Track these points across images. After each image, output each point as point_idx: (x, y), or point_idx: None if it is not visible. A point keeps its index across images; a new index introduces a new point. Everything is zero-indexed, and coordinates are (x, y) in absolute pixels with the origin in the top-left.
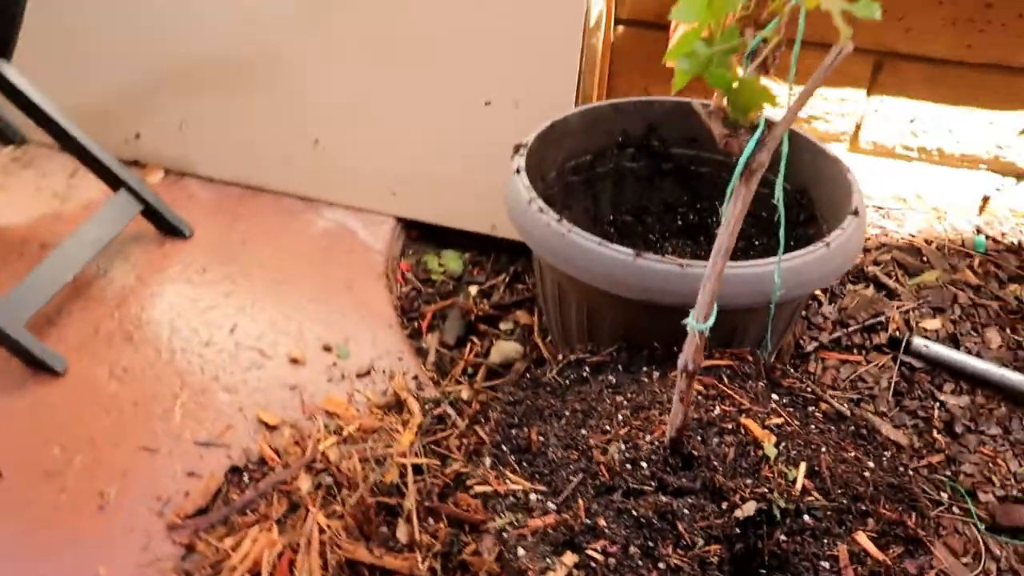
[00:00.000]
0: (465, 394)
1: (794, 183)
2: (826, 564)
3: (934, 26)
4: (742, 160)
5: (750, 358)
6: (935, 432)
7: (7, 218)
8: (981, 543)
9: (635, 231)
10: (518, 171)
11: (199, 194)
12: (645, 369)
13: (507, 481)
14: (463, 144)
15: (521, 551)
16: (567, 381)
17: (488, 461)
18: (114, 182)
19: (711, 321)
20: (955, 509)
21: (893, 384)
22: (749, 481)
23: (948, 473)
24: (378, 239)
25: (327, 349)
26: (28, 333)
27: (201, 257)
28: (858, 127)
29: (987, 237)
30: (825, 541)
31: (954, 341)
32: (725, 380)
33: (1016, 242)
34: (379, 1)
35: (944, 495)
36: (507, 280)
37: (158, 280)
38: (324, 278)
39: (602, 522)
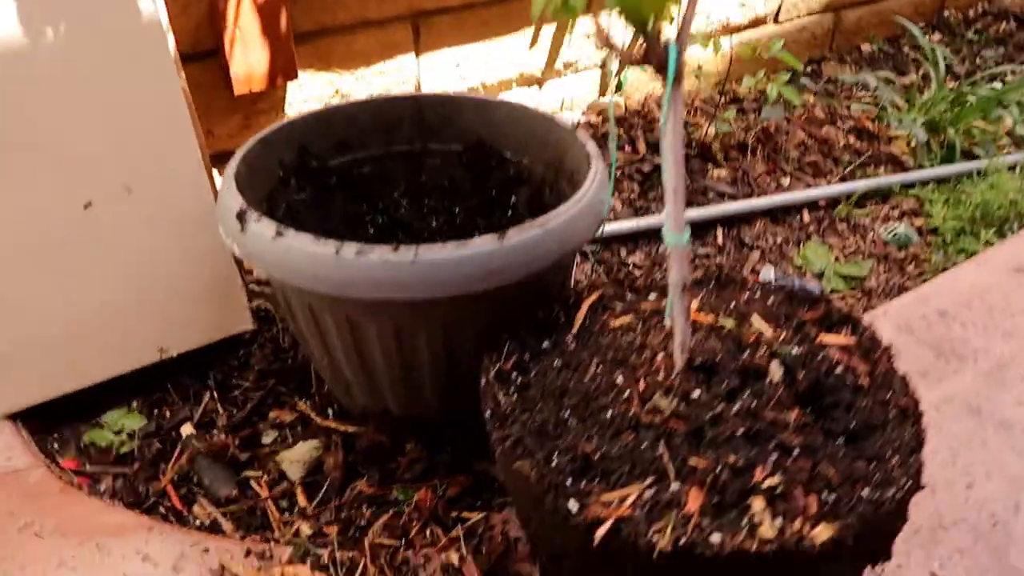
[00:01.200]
0: (307, 528)
1: (470, 140)
2: (837, 367)
3: None
4: (672, 66)
5: (607, 279)
6: None
7: None
8: None
9: None
10: (279, 234)
11: None
12: (552, 342)
13: (616, 502)
14: (69, 276)
15: (717, 535)
16: (516, 396)
17: (576, 506)
18: None
19: (687, 232)
20: None
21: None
22: (748, 354)
23: None
24: (7, 459)
25: None
26: None
27: None
28: (418, 86)
29: None
30: (818, 356)
31: None
32: (633, 301)
33: None
34: None
35: None
36: (214, 395)
37: None
38: None
39: (732, 458)
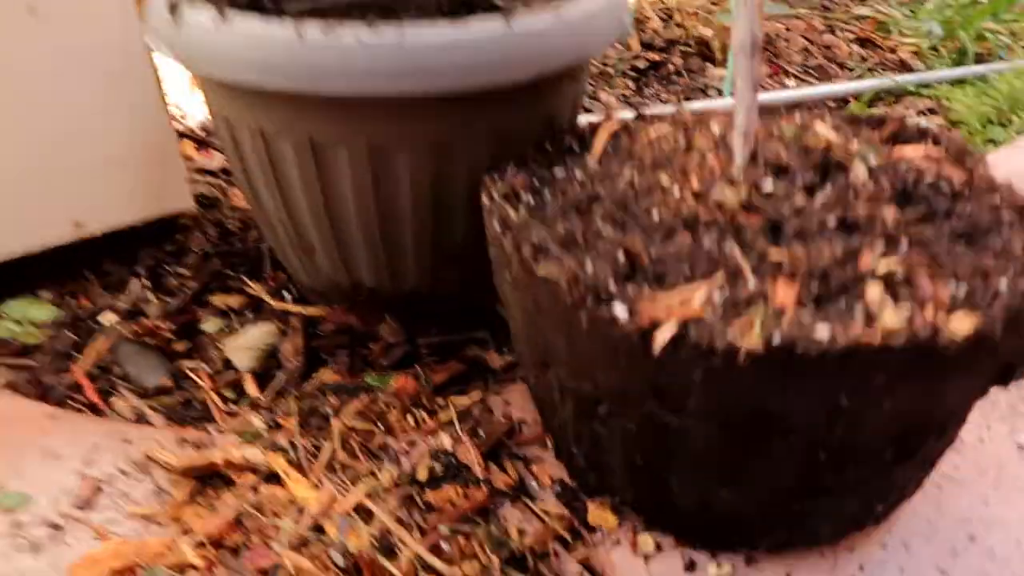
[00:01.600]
0: (258, 421)
1: None
2: (926, 175)
3: None
4: None
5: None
6: None
7: None
8: None
9: None
10: (222, 17)
11: None
12: (565, 169)
13: (677, 304)
14: None
15: (824, 328)
16: (530, 215)
17: (624, 311)
18: None
19: None
20: None
21: None
22: (821, 152)
23: None
24: None
25: None
26: None
27: None
28: None
29: None
30: (901, 167)
31: (592, 98)
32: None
33: None
34: None
35: None
36: (145, 279)
37: None
38: None
39: (827, 250)
